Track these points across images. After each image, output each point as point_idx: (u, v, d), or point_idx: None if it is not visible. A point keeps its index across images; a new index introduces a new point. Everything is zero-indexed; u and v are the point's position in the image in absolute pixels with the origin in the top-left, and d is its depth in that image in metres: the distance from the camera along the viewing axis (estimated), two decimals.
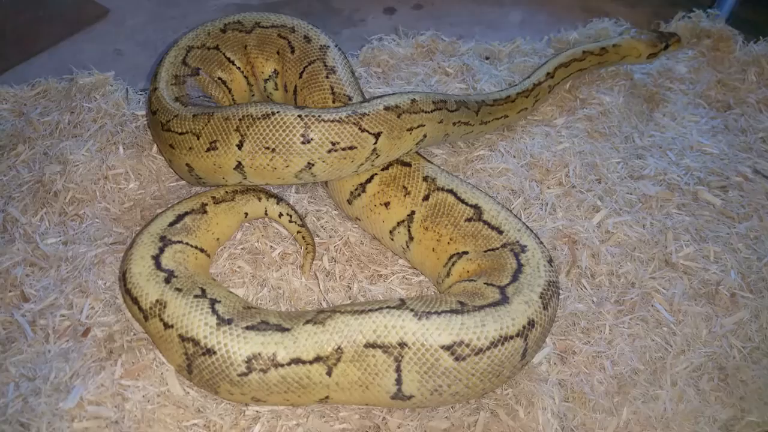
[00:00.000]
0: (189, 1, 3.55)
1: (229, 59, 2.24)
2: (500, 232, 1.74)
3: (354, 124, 1.75)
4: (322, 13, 3.52)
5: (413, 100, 1.87)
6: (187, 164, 1.87)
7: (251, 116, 1.75)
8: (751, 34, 2.95)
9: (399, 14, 3.55)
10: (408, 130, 1.85)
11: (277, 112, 1.74)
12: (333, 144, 1.74)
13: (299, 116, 1.73)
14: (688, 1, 3.26)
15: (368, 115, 1.77)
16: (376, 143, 1.79)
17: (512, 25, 3.46)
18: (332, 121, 1.74)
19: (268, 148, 1.74)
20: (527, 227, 1.77)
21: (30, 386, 1.53)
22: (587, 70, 2.66)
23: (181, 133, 1.84)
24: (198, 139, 1.81)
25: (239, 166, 1.79)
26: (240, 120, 1.76)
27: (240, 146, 1.76)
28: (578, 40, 2.99)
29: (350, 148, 1.76)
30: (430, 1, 3.70)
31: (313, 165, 1.77)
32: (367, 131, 1.77)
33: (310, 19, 2.28)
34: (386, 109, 1.80)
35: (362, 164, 1.82)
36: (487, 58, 2.89)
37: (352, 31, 3.34)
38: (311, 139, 1.73)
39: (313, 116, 1.73)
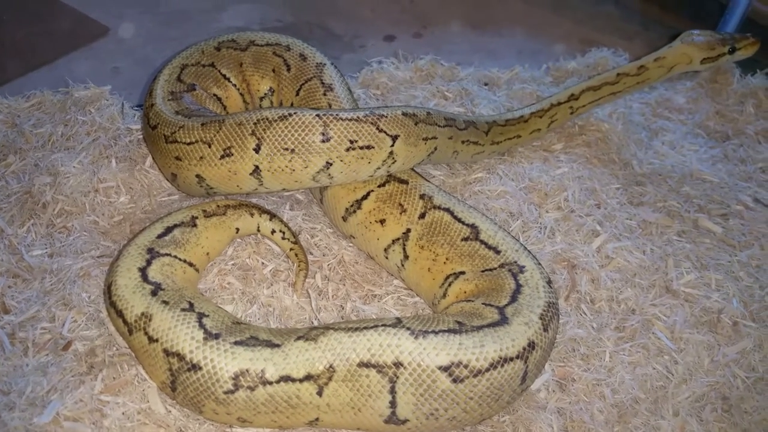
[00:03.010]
0: (190, 22, 3.57)
1: (224, 76, 2.22)
2: (498, 252, 1.70)
3: (372, 123, 1.76)
4: (322, 38, 3.54)
5: (428, 113, 1.91)
6: (197, 175, 1.84)
7: (267, 119, 1.75)
8: (748, 67, 2.97)
9: (399, 41, 3.58)
10: (423, 139, 1.87)
11: (294, 113, 1.75)
12: (351, 142, 1.74)
13: (317, 116, 1.74)
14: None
15: (386, 117, 1.79)
16: (393, 146, 1.79)
17: (511, 54, 3.48)
18: (350, 120, 1.75)
19: (287, 149, 1.74)
20: (525, 248, 1.73)
21: (4, 400, 1.46)
22: (622, 93, 2.41)
23: (189, 143, 1.81)
24: (210, 147, 1.78)
25: (256, 170, 1.77)
26: (255, 124, 1.75)
27: (257, 150, 1.74)
28: (577, 68, 3.01)
29: (368, 147, 1.76)
30: (429, 30, 3.74)
31: (331, 165, 1.76)
32: (385, 132, 1.77)
33: (310, 44, 2.26)
34: (404, 114, 1.82)
35: (379, 168, 1.81)
36: (485, 84, 2.89)
37: (352, 57, 3.35)
38: (330, 137, 1.73)
39: (331, 115, 1.74)
